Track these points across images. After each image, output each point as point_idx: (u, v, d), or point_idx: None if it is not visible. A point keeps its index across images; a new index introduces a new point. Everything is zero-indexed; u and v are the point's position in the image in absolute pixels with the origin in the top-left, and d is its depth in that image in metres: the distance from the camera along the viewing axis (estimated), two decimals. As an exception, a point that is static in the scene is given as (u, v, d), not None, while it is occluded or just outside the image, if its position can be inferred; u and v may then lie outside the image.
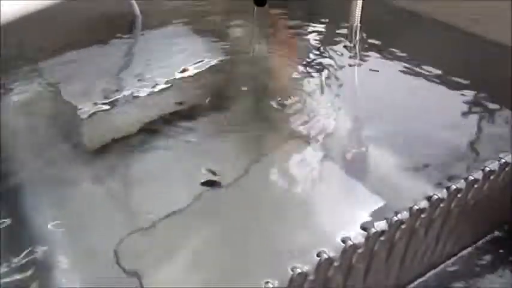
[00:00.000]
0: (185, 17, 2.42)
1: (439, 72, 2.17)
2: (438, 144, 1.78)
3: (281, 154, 1.78)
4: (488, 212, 1.51)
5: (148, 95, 1.95)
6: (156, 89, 1.97)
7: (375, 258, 1.24)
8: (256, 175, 1.68)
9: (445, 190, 1.30)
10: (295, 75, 2.22)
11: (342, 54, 2.34)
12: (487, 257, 1.57)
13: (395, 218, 1.22)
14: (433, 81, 2.13)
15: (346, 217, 1.48)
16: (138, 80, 2.00)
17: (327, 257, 1.13)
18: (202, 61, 2.09)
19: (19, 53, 2.27)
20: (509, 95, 1.93)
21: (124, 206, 1.65)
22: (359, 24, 2.31)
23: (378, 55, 2.32)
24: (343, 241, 1.17)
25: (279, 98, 2.07)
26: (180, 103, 2.03)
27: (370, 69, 2.27)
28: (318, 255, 1.13)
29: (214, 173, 1.69)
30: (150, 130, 1.93)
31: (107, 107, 1.89)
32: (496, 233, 1.63)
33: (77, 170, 1.77)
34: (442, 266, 1.53)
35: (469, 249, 1.58)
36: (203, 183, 1.66)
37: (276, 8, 2.69)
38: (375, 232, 1.19)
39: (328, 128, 1.90)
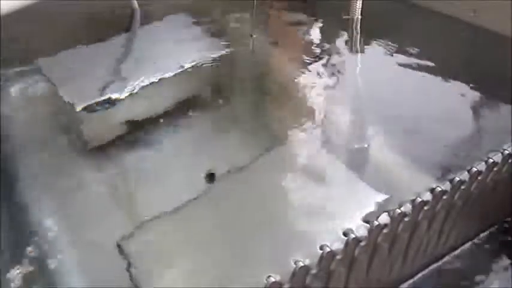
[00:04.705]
0: (184, 10, 2.41)
1: (441, 64, 2.16)
2: (440, 137, 1.77)
3: (282, 148, 1.77)
4: (492, 204, 1.50)
5: (147, 90, 1.94)
6: (156, 85, 1.96)
7: (377, 251, 1.23)
8: (257, 170, 1.68)
9: (448, 182, 1.28)
10: (295, 68, 2.21)
11: (343, 47, 2.33)
12: (490, 250, 1.56)
13: (398, 211, 1.20)
14: (435, 74, 2.12)
15: (349, 210, 1.47)
16: (137, 76, 1.98)
17: (329, 250, 1.11)
18: (201, 55, 2.07)
19: (18, 49, 2.26)
20: (510, 86, 1.92)
21: (125, 202, 1.64)
22: (359, 17, 2.29)
23: (378, 47, 2.31)
24: (346, 234, 1.15)
25: (279, 91, 2.06)
26: (180, 98, 2.03)
27: (371, 62, 2.25)
28: (320, 249, 1.11)
29: (214, 169, 1.69)
30: (150, 126, 1.92)
31: (105, 103, 1.88)
32: (500, 226, 1.62)
33: (77, 167, 1.77)
34: (445, 259, 1.52)
35: (472, 241, 1.57)
36: (205, 178, 1.66)
37: (276, 1, 2.68)
38: (378, 225, 1.18)
39: (330, 122, 1.89)
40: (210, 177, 1.67)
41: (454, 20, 2.35)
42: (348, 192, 1.55)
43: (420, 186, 1.38)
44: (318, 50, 2.31)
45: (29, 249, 1.48)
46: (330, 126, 1.87)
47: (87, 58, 2.13)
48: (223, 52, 2.09)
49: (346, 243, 1.15)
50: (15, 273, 1.41)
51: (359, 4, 2.27)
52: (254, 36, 2.38)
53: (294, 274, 1.08)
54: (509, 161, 1.39)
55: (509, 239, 1.58)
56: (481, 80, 2.04)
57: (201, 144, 1.84)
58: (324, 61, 2.24)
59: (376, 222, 1.18)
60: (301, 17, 2.58)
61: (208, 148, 1.81)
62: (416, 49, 2.25)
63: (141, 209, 1.59)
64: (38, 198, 1.65)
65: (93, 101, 1.86)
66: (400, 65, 2.21)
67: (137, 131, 1.90)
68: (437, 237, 1.41)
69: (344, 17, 2.41)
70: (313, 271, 1.12)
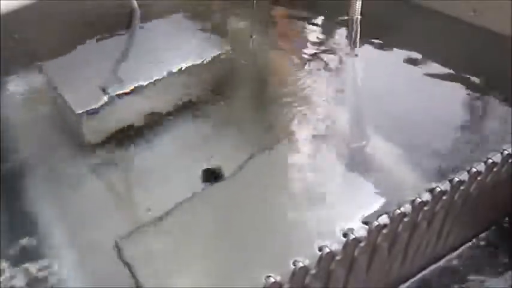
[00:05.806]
0: (184, 9, 2.40)
1: (440, 64, 2.16)
2: (440, 137, 1.77)
3: (282, 148, 1.77)
4: (491, 204, 1.50)
5: (147, 90, 1.94)
6: (155, 84, 1.96)
7: (377, 252, 1.23)
8: (257, 169, 1.68)
9: (447, 182, 1.28)
10: (295, 67, 2.21)
11: (342, 47, 2.33)
12: (490, 250, 1.57)
13: (398, 211, 1.20)
14: (434, 73, 2.12)
15: (348, 210, 1.47)
16: (137, 76, 1.98)
17: (328, 250, 1.11)
18: (201, 54, 2.07)
19: (18, 49, 2.26)
20: (510, 87, 1.92)
21: (124, 201, 1.64)
22: (359, 16, 2.29)
23: (378, 47, 2.31)
24: (345, 235, 1.15)
25: (279, 91, 2.06)
26: (180, 98, 2.03)
27: (371, 62, 2.25)
28: (319, 249, 1.11)
29: (215, 168, 1.69)
30: (150, 126, 1.92)
31: (105, 101, 1.88)
32: (499, 226, 1.62)
33: (77, 165, 1.77)
34: (444, 259, 1.52)
35: (472, 242, 1.57)
36: (205, 178, 1.66)
37: (276, 0, 2.68)
38: (377, 225, 1.18)
39: (329, 121, 1.89)
40: (211, 176, 1.67)
41: (454, 19, 2.35)
42: (347, 192, 1.55)
43: (420, 186, 1.39)
44: (318, 50, 2.31)
45: (28, 248, 1.48)
46: (330, 126, 1.87)
47: (87, 58, 2.13)
48: (223, 52, 2.09)
49: (346, 244, 1.15)
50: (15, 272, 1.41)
51: (359, 4, 2.27)
52: (254, 36, 2.38)
53: (293, 274, 1.09)
54: (509, 161, 1.39)
55: (509, 239, 1.58)
56: (481, 80, 2.04)
57: (201, 144, 1.84)
58: (324, 61, 2.24)
59: (375, 223, 1.18)
60: (301, 16, 2.57)
61: (208, 148, 1.81)
62: (416, 49, 2.25)
63: (141, 209, 1.59)
64: (37, 198, 1.65)
65: (92, 101, 1.86)
66: (400, 64, 2.21)
67: (137, 131, 1.90)
68: (436, 238, 1.41)
69: (340, 17, 2.41)
70: (313, 271, 1.12)
